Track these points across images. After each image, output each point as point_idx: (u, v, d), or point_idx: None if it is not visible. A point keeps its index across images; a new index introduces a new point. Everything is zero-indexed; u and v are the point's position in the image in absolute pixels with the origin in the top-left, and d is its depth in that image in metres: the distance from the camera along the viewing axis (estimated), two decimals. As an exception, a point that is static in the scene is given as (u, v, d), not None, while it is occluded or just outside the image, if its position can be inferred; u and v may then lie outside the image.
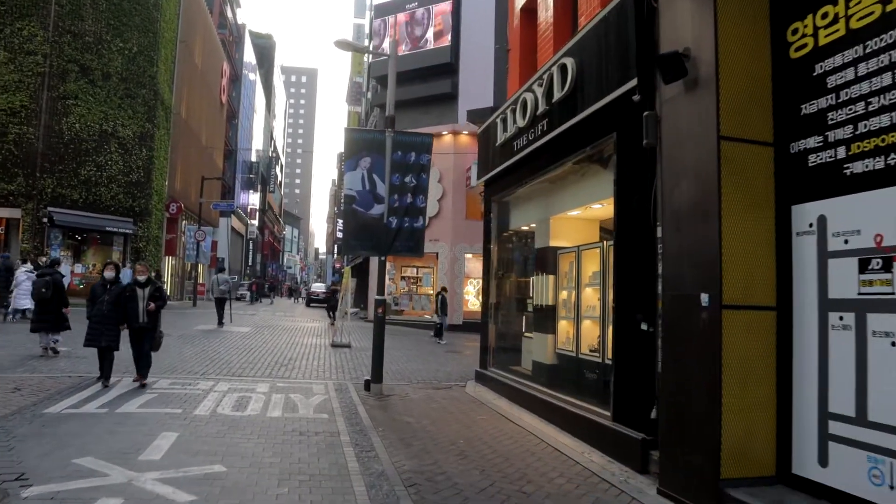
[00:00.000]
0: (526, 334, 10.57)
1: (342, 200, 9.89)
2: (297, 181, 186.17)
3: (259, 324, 21.61)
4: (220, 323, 19.19)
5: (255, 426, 6.96)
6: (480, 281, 26.37)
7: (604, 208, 8.30)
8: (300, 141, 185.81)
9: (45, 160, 24.56)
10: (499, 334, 11.07)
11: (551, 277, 9.21)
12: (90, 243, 27.62)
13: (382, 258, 9.37)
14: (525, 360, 10.42)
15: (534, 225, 10.28)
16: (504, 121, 10.01)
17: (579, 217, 9.08)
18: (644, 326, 6.01)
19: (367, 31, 42.97)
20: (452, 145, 24.48)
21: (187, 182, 34.61)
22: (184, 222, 35.46)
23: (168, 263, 33.88)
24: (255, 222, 70.46)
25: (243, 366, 11.41)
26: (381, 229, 9.34)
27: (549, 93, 8.19)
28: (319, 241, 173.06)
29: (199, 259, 32.99)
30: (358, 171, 9.38)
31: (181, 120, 32.55)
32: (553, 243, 9.21)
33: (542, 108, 8.37)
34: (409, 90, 25.94)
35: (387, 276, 27.07)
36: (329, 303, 25.26)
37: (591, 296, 8.39)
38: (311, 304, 43.83)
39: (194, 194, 34.95)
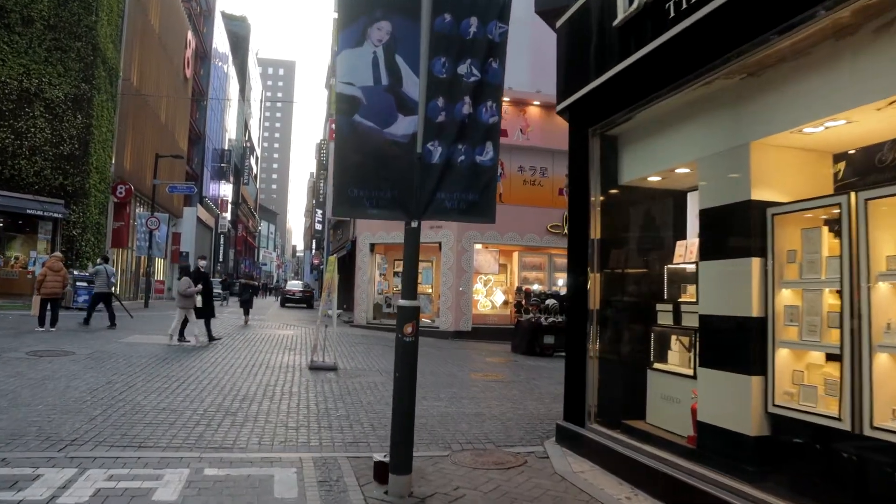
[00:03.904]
0: (657, 366, 5.96)
1: (333, 108, 5.07)
2: (274, 176, 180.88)
3: (215, 332, 16.66)
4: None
5: None
6: (492, 277, 21.93)
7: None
8: (277, 135, 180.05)
9: (-56, 123, 19.45)
10: (603, 363, 6.39)
11: (754, 262, 4.57)
12: (12, 229, 22.53)
13: (414, 223, 4.63)
14: (655, 411, 5.84)
15: (683, 170, 5.69)
16: (634, -25, 5.37)
17: (815, 143, 4.47)
18: None
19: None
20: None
21: (141, 163, 29.51)
22: (139, 209, 30.38)
23: (119, 256, 28.80)
24: (228, 215, 65.13)
25: (157, 418, 6.62)
26: (410, 165, 4.62)
27: None
28: (297, 238, 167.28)
29: (151, 251, 27.85)
30: (366, 47, 4.65)
31: (132, 87, 27.41)
32: (759, 195, 4.59)
33: None
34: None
35: (377, 272, 22.48)
36: (242, 297, 21.42)
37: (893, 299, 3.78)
38: (287, 305, 38.80)
39: (150, 177, 29.74)
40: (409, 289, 4.58)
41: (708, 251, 5.07)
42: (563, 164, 21.05)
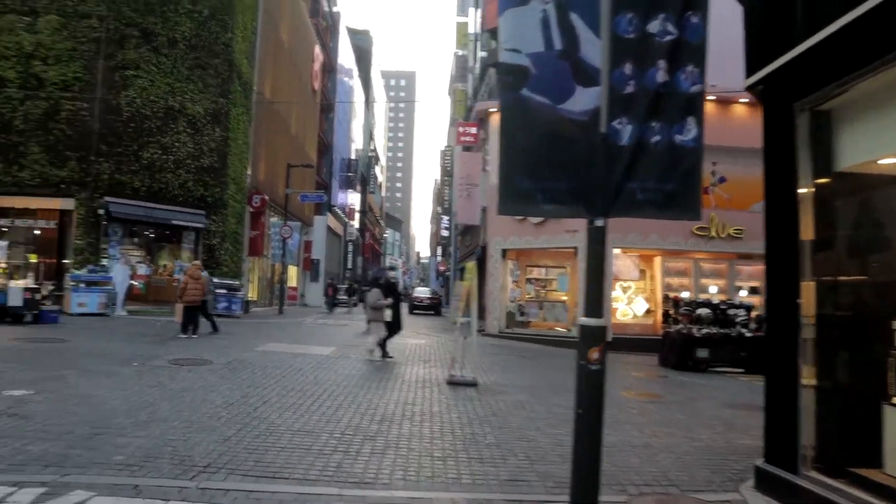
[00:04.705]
0: (897, 400, 4.65)
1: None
2: (398, 184, 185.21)
3: (347, 341, 16.49)
4: (216, 328, 15.45)
5: None
6: (632, 284, 20.42)
7: None
8: (400, 144, 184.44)
9: (102, 141, 20.70)
10: (819, 394, 5.12)
11: None
12: (162, 239, 23.78)
13: (598, 221, 3.70)
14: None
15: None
16: None
17: None
18: None
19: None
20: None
21: (274, 173, 30.38)
22: (272, 218, 31.34)
23: (255, 264, 29.82)
24: (356, 223, 66.87)
25: (291, 441, 6.07)
26: (593, 149, 3.69)
27: None
28: (421, 245, 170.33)
29: (285, 259, 28.58)
30: (533, 5, 3.78)
31: (265, 101, 28.31)
32: None
33: None
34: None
35: (509, 279, 21.57)
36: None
37: None
38: (415, 312, 38.71)
39: (282, 187, 30.56)
40: (594, 303, 3.65)
41: None
42: (707, 160, 19.26)
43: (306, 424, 6.79)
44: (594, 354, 3.61)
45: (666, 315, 16.97)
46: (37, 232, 21.57)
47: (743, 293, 18.67)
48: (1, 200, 21.01)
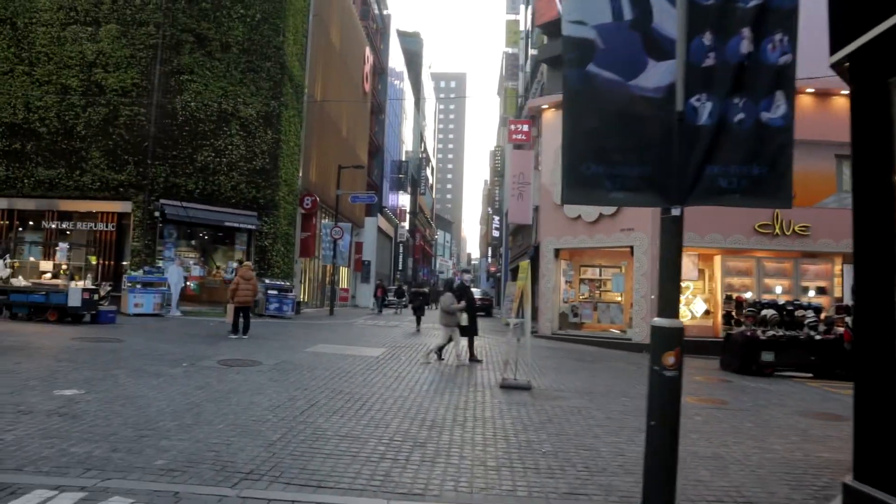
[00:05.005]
0: None
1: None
2: (448, 186, 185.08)
3: (397, 343, 16.29)
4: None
5: None
6: (690, 284, 19.59)
7: None
8: (450, 146, 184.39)
9: (158, 145, 21.09)
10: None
11: None
12: (216, 241, 24.12)
13: (675, 210, 3.30)
14: None
15: None
16: None
17: None
18: None
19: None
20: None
21: (325, 175, 30.54)
22: (323, 220, 31.51)
23: (307, 266, 30.03)
24: (406, 225, 67.02)
25: (338, 447, 5.82)
26: (668, 129, 3.29)
27: None
28: (471, 246, 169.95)
29: (336, 260, 28.64)
30: (598, -29, 3.40)
31: (315, 103, 28.43)
32: None
33: None
34: None
35: (562, 279, 21.03)
36: (414, 304, 21.37)
37: None
38: (466, 312, 38.34)
39: (334, 189, 30.66)
40: (669, 302, 3.24)
41: None
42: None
43: (354, 429, 6.53)
44: (669, 359, 3.20)
45: (727, 316, 16.19)
46: (97, 234, 22.13)
47: (811, 293, 17.73)
48: (64, 204, 21.70)
